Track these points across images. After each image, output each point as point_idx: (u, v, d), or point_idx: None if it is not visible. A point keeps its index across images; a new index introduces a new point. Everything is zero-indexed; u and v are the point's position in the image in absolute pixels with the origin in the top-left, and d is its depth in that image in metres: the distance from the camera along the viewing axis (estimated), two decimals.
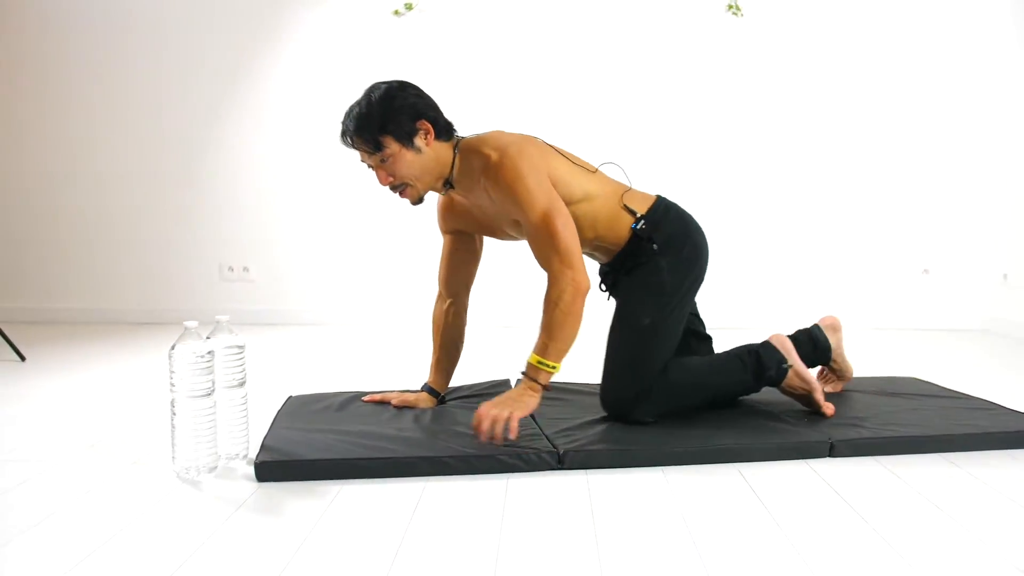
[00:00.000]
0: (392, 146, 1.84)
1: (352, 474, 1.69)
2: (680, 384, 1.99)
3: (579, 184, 1.97)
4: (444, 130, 1.93)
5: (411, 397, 2.15)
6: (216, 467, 1.72)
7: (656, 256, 2.00)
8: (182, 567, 1.26)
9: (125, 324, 3.81)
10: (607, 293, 2.17)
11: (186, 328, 1.71)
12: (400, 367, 2.92)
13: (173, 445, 1.70)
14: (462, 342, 2.23)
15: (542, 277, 1.87)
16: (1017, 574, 1.26)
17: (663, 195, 2.13)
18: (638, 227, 2.01)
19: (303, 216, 3.83)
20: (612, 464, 1.75)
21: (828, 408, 2.04)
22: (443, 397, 2.19)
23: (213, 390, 1.70)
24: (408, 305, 3.82)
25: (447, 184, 1.96)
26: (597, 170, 2.07)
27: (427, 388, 2.18)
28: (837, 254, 3.79)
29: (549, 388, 1.84)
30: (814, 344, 2.18)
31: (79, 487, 1.63)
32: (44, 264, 3.90)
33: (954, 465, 1.77)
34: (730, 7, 3.67)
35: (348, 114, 1.90)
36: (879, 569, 1.27)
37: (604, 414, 2.03)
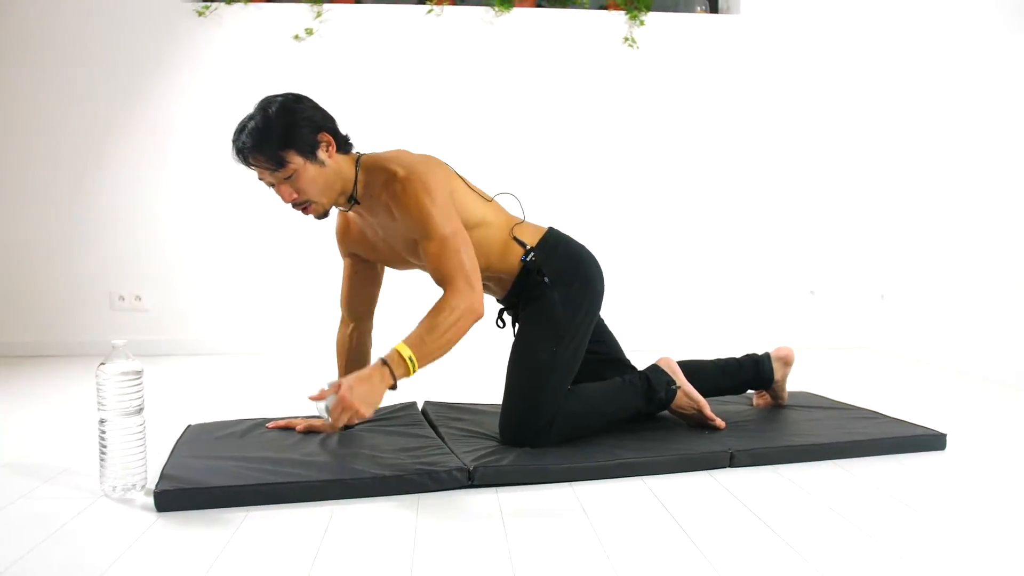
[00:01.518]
0: (296, 160, 1.78)
1: (257, 500, 1.65)
2: (577, 414, 1.98)
3: (476, 210, 1.97)
4: (344, 143, 1.89)
5: (317, 423, 2.09)
6: (145, 485, 1.68)
7: (548, 290, 2.00)
8: None
9: (7, 358, 3.59)
10: (504, 326, 2.16)
11: (114, 346, 1.69)
12: (302, 394, 2.84)
13: (102, 465, 1.66)
14: (368, 362, 2.17)
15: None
16: (904, 568, 1.33)
17: (555, 227, 2.14)
18: (527, 259, 2.01)
19: (198, 243, 3.72)
20: (522, 480, 1.76)
21: (719, 422, 2.11)
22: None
23: (143, 408, 1.69)
24: (309, 330, 3.75)
25: (351, 200, 1.91)
26: (492, 199, 2.08)
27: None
28: (730, 277, 3.94)
29: (394, 388, 1.74)
30: (757, 371, 2.27)
31: None
32: None
33: (845, 470, 1.87)
34: (626, 40, 3.80)
35: (241, 130, 1.81)
36: (781, 570, 1.32)
37: None
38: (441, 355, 1.78)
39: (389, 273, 2.23)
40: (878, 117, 3.94)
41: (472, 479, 1.73)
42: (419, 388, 2.78)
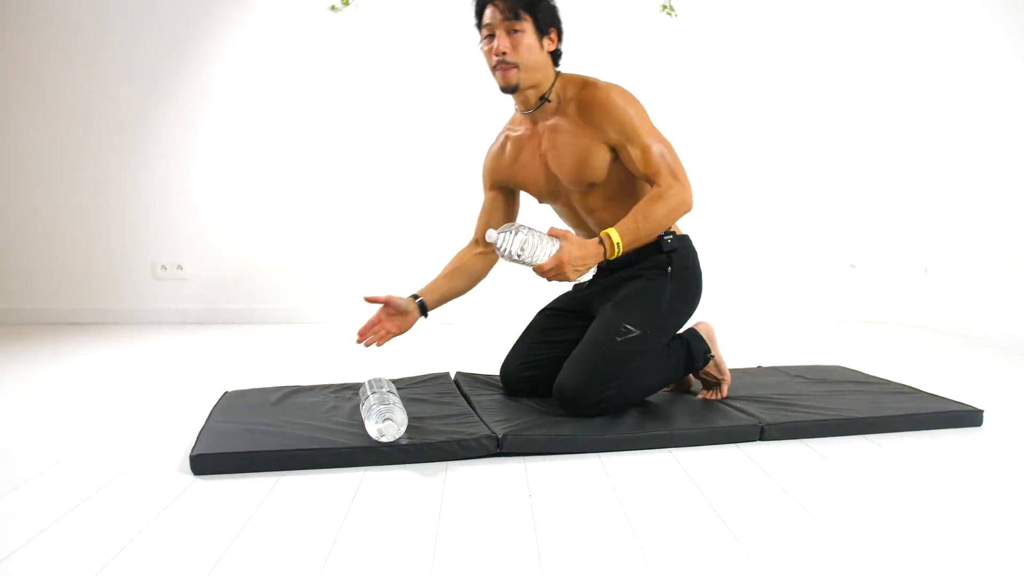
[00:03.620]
0: (526, 26, 1.91)
1: (290, 465, 1.68)
2: (635, 388, 1.99)
3: None
4: (559, 54, 2.01)
5: (402, 302, 2.05)
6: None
7: (665, 278, 2.01)
8: (117, 557, 1.24)
9: (51, 325, 3.70)
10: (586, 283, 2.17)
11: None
12: (339, 365, 2.90)
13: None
14: (473, 285, 2.18)
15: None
16: (935, 546, 1.32)
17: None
18: (666, 236, 2.02)
19: (238, 214, 3.77)
20: (550, 451, 1.77)
21: (723, 394, 2.14)
22: (427, 314, 2.11)
23: None
24: (346, 300, 3.79)
25: (543, 98, 2.00)
26: None
27: (418, 301, 2.08)
28: (768, 250, 3.89)
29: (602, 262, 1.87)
30: (690, 352, 2.11)
31: (5, 485, 1.58)
32: None
33: (877, 445, 1.85)
34: (664, 7, 3.74)
35: None
36: (808, 545, 1.31)
37: (538, 401, 2.06)
38: (648, 238, 1.92)
39: None
40: (923, 86, 3.84)
41: (500, 447, 1.74)
42: (453, 359, 2.81)
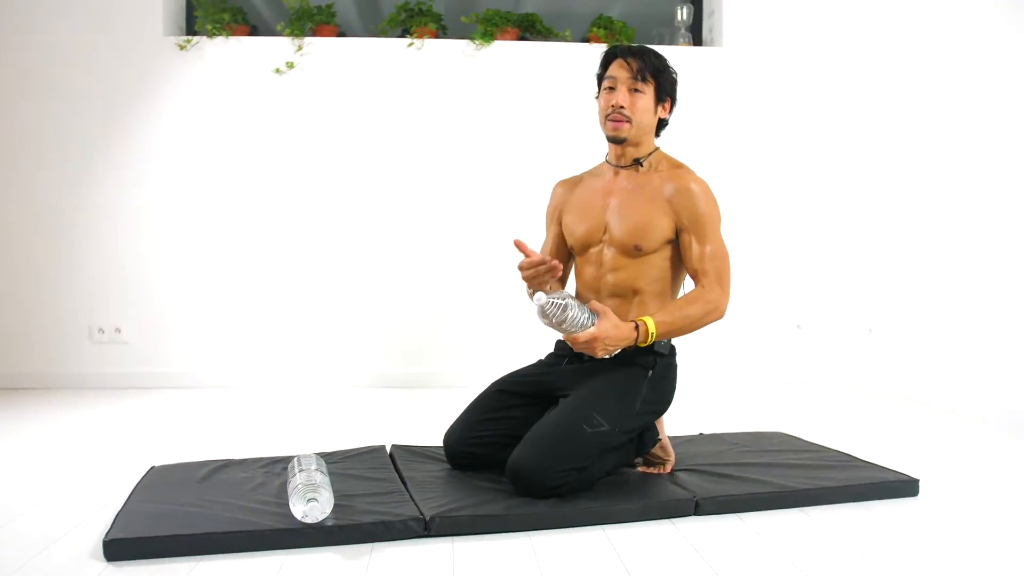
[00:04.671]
0: (648, 89, 2.05)
1: (208, 549, 1.61)
2: (592, 477, 1.93)
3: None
4: (665, 125, 2.16)
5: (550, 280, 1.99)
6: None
7: (643, 381, 2.00)
8: None
9: None
10: (564, 359, 2.14)
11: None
12: (280, 430, 2.83)
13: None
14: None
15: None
16: None
17: None
18: (662, 340, 2.01)
19: (178, 276, 3.70)
20: (479, 530, 1.72)
21: (667, 470, 2.12)
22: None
23: None
24: (289, 364, 3.72)
25: (637, 161, 2.10)
26: None
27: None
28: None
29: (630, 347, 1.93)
30: (640, 438, 2.06)
31: None
32: None
33: (811, 518, 1.83)
34: None
35: (630, 46, 2.11)
36: None
37: (475, 475, 2.02)
38: (676, 335, 2.00)
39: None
40: (863, 148, 3.94)
41: (428, 529, 1.70)
42: (390, 431, 2.76)
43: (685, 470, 2.10)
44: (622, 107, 2.03)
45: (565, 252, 2.25)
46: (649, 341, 1.91)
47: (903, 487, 2.02)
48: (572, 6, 4.10)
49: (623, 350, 1.97)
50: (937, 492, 2.05)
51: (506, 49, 3.79)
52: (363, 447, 2.31)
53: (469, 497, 1.85)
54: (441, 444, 2.18)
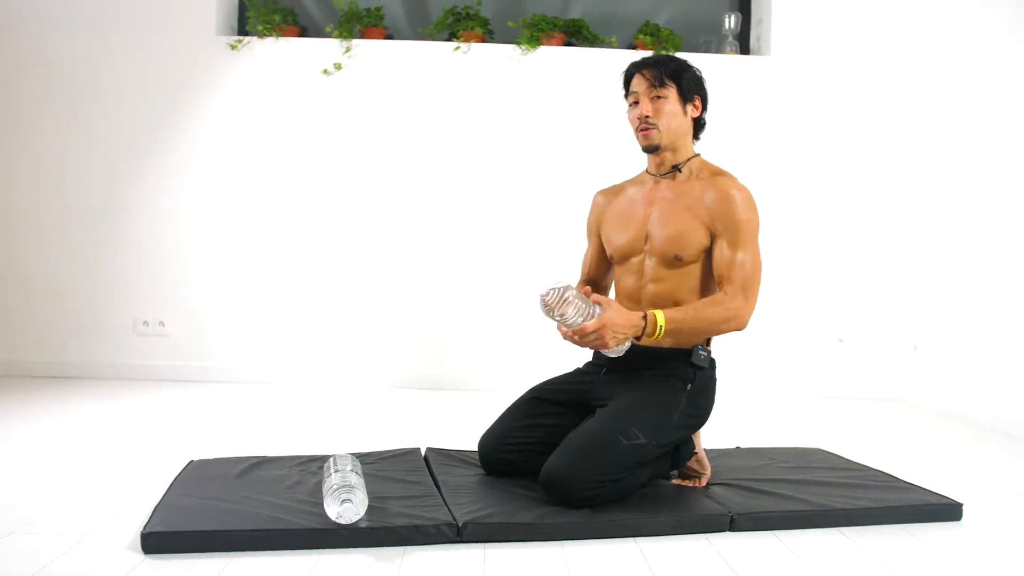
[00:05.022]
0: (670, 93, 2.03)
1: (243, 546, 1.63)
2: (626, 490, 1.91)
3: None
4: (702, 124, 2.13)
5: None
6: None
7: (682, 394, 1.98)
8: None
9: (28, 378, 3.66)
10: (602, 368, 2.13)
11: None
12: (314, 430, 2.85)
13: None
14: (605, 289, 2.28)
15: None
16: None
17: None
18: (701, 351, 2.01)
19: (223, 271, 3.76)
20: (511, 538, 1.72)
21: (703, 484, 2.09)
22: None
23: None
24: (330, 361, 3.76)
25: (675, 167, 2.08)
26: None
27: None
28: (755, 324, 3.85)
29: (639, 340, 1.89)
30: (676, 450, 2.04)
31: None
32: None
33: (850, 540, 1.80)
34: None
35: (653, 55, 2.13)
36: None
37: (509, 482, 2.02)
38: (689, 339, 1.99)
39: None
40: (912, 160, 3.86)
41: (460, 535, 1.70)
42: (424, 433, 2.77)
43: (721, 484, 2.08)
44: (647, 116, 2.03)
45: (607, 263, 2.24)
46: (658, 335, 1.87)
47: (945, 511, 1.97)
48: (619, 12, 4.08)
49: (662, 361, 1.97)
50: (981, 517, 1.99)
51: (552, 54, 3.79)
52: (398, 449, 2.32)
53: (502, 504, 1.85)
54: (475, 448, 2.18)
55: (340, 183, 3.77)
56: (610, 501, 1.87)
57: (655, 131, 2.04)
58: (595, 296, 1.88)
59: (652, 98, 2.04)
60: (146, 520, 1.71)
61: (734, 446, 2.57)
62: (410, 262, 3.78)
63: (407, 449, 2.32)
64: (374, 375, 3.74)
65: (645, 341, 1.90)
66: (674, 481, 2.10)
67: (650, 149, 2.08)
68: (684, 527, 1.81)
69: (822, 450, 2.54)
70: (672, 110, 2.04)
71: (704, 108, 2.11)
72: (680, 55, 3.73)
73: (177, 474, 2.06)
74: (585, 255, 2.30)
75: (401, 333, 3.77)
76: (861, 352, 3.90)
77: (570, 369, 2.24)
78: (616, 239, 2.15)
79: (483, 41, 3.82)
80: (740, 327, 1.95)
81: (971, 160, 3.49)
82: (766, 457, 2.39)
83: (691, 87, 2.06)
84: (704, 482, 2.08)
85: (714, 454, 2.35)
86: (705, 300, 1.97)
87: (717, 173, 2.06)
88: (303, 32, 3.92)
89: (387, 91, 3.76)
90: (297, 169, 3.76)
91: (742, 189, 2.00)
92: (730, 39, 3.96)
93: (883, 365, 3.90)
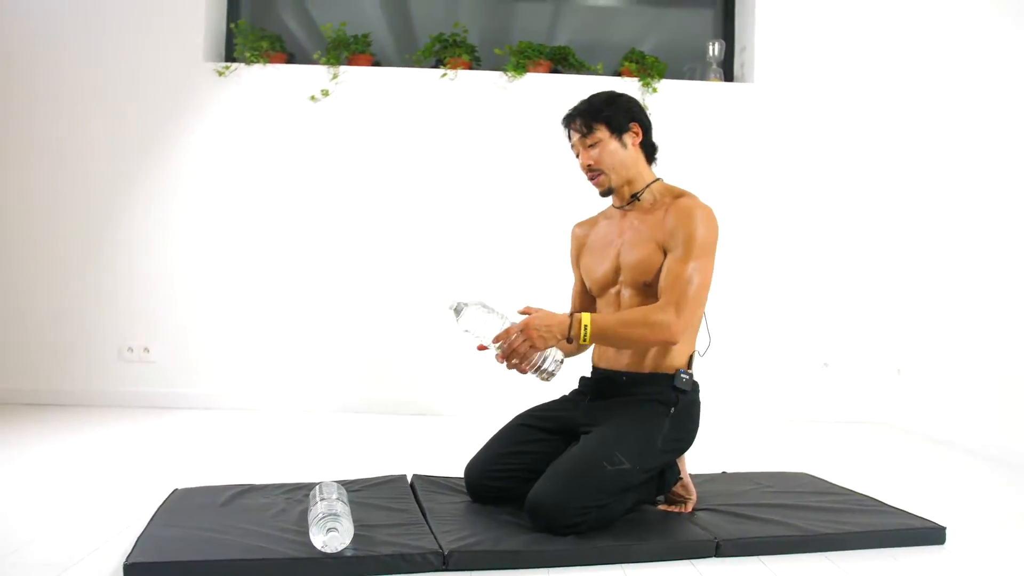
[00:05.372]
0: (602, 133, 2.03)
1: None
2: (611, 516, 1.91)
3: None
4: (650, 146, 2.12)
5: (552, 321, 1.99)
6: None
7: (665, 418, 1.98)
8: None
9: (11, 405, 3.63)
10: (587, 396, 2.14)
11: None
12: (302, 455, 2.84)
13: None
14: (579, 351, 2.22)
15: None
16: None
17: None
18: (684, 375, 2.01)
19: (208, 297, 3.75)
20: (497, 565, 1.71)
21: (689, 509, 2.09)
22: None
23: None
24: (316, 387, 3.75)
25: (635, 196, 2.08)
26: None
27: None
28: (741, 348, 3.89)
29: (569, 342, 1.90)
30: (661, 475, 2.06)
31: None
32: None
33: (835, 564, 1.80)
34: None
35: (578, 102, 2.10)
36: None
37: (496, 509, 2.01)
38: (613, 345, 2.01)
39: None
40: (895, 187, 3.91)
41: (446, 563, 1.69)
42: (410, 460, 2.76)
43: (707, 510, 2.08)
44: (589, 165, 2.06)
45: (592, 295, 2.25)
46: (584, 336, 1.88)
47: (929, 535, 1.98)
48: (605, 40, 4.13)
49: (644, 385, 2.00)
50: (964, 541, 2.00)
51: (538, 81, 3.83)
52: (384, 476, 2.31)
53: (488, 531, 1.85)
54: (462, 475, 2.18)
55: (327, 209, 3.78)
56: (596, 527, 1.87)
57: (603, 176, 2.06)
58: (526, 308, 1.93)
59: (587, 147, 2.05)
60: (129, 550, 1.69)
61: (720, 471, 2.58)
62: (395, 288, 3.79)
63: (393, 476, 2.31)
64: (359, 401, 3.73)
65: (567, 347, 1.95)
66: (660, 507, 2.10)
67: (605, 194, 2.11)
68: (670, 553, 1.81)
69: (807, 474, 2.55)
70: (611, 150, 2.04)
71: (645, 132, 2.09)
72: (665, 82, 3.83)
73: (161, 503, 2.05)
74: (573, 288, 2.32)
75: (387, 359, 3.77)
76: (846, 376, 3.93)
77: (555, 397, 2.25)
78: (594, 273, 2.17)
79: (470, 68, 3.86)
80: (670, 340, 1.92)
81: (954, 188, 3.54)
82: (751, 482, 2.40)
83: (620, 120, 2.04)
84: (690, 507, 2.09)
85: (700, 479, 2.35)
86: (637, 309, 1.96)
87: (679, 195, 2.05)
88: (290, 59, 3.94)
89: (374, 117, 3.78)
90: (284, 195, 3.77)
91: (703, 207, 1.99)
92: (714, 66, 4.01)
93: (868, 389, 3.92)
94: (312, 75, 3.77)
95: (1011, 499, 2.50)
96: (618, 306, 2.10)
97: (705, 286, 1.97)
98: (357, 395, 3.75)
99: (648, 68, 3.85)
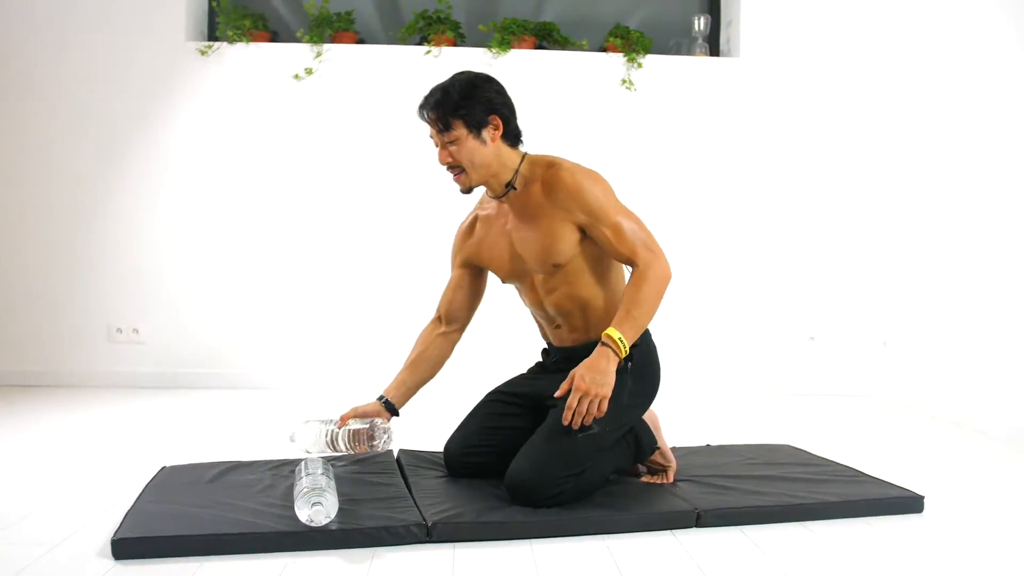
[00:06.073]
0: (460, 130, 1.92)
1: (214, 550, 1.64)
2: (589, 483, 1.92)
3: None
4: (513, 134, 2.00)
5: (368, 409, 2.08)
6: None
7: (625, 374, 1.94)
8: None
9: (12, 387, 3.62)
10: (544, 365, 2.17)
11: None
12: (289, 432, 2.85)
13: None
14: (437, 370, 2.20)
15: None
16: None
17: None
18: None
19: (196, 277, 3.75)
20: (481, 537, 1.74)
21: (671, 480, 2.11)
22: (398, 412, 2.12)
23: None
24: (305, 364, 3.76)
25: (509, 185, 2.00)
26: None
27: (384, 401, 2.10)
28: (726, 321, 3.91)
29: (628, 358, 1.90)
30: (638, 443, 2.08)
31: None
32: None
33: (812, 533, 1.83)
34: (624, 81, 3.82)
35: (434, 88, 1.97)
36: None
37: (479, 482, 2.04)
38: (648, 321, 1.92)
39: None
40: (881, 159, 3.92)
41: (430, 535, 1.72)
42: (396, 436, 2.78)
43: (688, 481, 2.11)
44: (447, 164, 1.98)
45: (468, 291, 2.20)
46: (624, 350, 1.86)
47: (908, 503, 2.01)
48: (590, 15, 4.11)
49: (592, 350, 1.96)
50: (942, 509, 2.04)
51: (523, 57, 3.82)
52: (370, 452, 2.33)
53: (472, 504, 1.87)
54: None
55: (313, 187, 3.77)
56: (577, 496, 1.89)
57: (463, 175, 1.97)
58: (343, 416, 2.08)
59: (445, 144, 1.95)
60: (117, 526, 1.71)
61: (703, 444, 2.61)
62: (381, 263, 3.79)
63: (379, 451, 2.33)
64: (346, 378, 3.74)
65: (608, 357, 1.86)
66: (642, 479, 2.13)
67: (466, 191, 2.02)
68: (651, 524, 1.84)
69: (790, 446, 2.58)
70: (470, 148, 1.94)
71: (507, 122, 1.97)
72: (650, 57, 3.83)
73: (149, 480, 2.06)
74: (448, 283, 2.24)
75: (372, 334, 3.78)
76: (832, 349, 3.96)
77: (520, 371, 2.28)
78: (499, 272, 2.13)
79: (454, 45, 3.84)
80: (670, 279, 1.93)
81: (940, 158, 3.55)
82: (734, 454, 2.43)
83: (478, 115, 1.92)
84: (671, 476, 2.11)
85: (683, 451, 2.38)
86: (631, 285, 1.92)
87: (547, 166, 1.97)
88: (274, 37, 3.92)
89: (358, 95, 3.77)
90: (270, 174, 3.76)
91: (575, 168, 1.95)
92: (700, 41, 4.00)
93: (853, 362, 3.96)
94: (295, 53, 3.75)
95: (993, 470, 2.53)
96: (535, 291, 2.07)
97: (642, 224, 1.95)
98: (341, 371, 3.76)
99: (633, 43, 3.84)
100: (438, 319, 2.23)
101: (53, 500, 1.99)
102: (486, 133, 1.95)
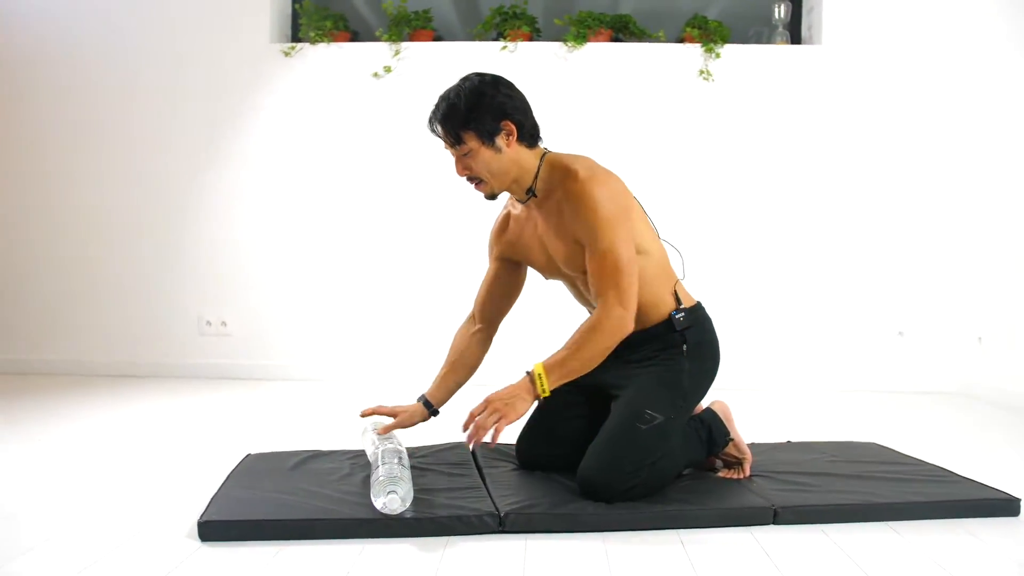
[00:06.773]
0: (472, 142, 1.86)
1: (294, 535, 1.69)
2: (662, 474, 1.91)
3: (643, 235, 1.95)
4: (529, 135, 1.92)
5: (405, 410, 2.11)
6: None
7: (681, 357, 1.95)
8: None
9: (98, 376, 3.82)
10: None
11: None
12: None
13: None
14: (476, 368, 2.18)
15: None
16: None
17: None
18: (677, 315, 1.97)
19: (283, 271, 3.87)
20: (553, 528, 1.74)
21: (747, 474, 2.07)
22: (437, 411, 2.14)
23: None
24: (389, 358, 3.83)
25: (530, 191, 1.95)
26: (660, 240, 2.05)
27: (424, 400, 2.12)
28: (812, 316, 3.81)
29: (543, 392, 1.84)
30: (711, 435, 2.05)
31: (24, 545, 1.62)
32: (26, 315, 3.94)
33: (897, 534, 1.77)
34: (702, 72, 3.76)
35: (440, 99, 1.91)
36: None
37: (553, 475, 2.04)
38: (582, 372, 1.87)
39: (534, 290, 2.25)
40: (972, 148, 3.75)
41: (503, 525, 1.73)
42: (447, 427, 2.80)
43: (767, 477, 2.06)
44: (466, 176, 1.93)
45: (505, 285, 2.17)
46: (543, 385, 1.83)
47: (1002, 506, 1.91)
48: (668, 6, 4.06)
49: (648, 342, 1.96)
50: None
51: (599, 51, 3.79)
52: (446, 443, 2.36)
53: (545, 496, 1.87)
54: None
55: (392, 185, 3.83)
56: (650, 490, 1.87)
57: (484, 184, 1.92)
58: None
59: (459, 157, 1.89)
60: (203, 509, 1.78)
61: (784, 440, 2.54)
62: (457, 260, 3.82)
63: (455, 443, 2.36)
64: (425, 373, 3.78)
65: (526, 389, 1.85)
66: (719, 474, 2.09)
67: (492, 198, 1.98)
68: (727, 520, 1.81)
69: (875, 444, 2.49)
70: (485, 158, 1.87)
71: (520, 124, 1.89)
72: (729, 47, 3.75)
73: (234, 467, 2.14)
74: (483, 279, 2.21)
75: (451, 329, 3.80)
76: (922, 345, 3.81)
77: None
78: (540, 272, 2.11)
79: (530, 39, 3.85)
80: (625, 334, 1.86)
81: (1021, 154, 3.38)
82: (816, 451, 2.36)
83: (489, 124, 1.85)
84: (747, 469, 2.07)
85: (763, 448, 2.33)
86: (583, 329, 1.88)
87: (566, 173, 1.89)
88: (354, 36, 4.00)
89: (436, 92, 3.75)
90: (350, 171, 3.84)
91: (590, 180, 1.85)
92: (780, 29, 3.91)
93: (946, 358, 3.80)
94: (375, 52, 3.82)
95: None
96: (575, 287, 2.04)
97: (630, 258, 1.84)
98: (423, 367, 3.80)
99: (711, 33, 3.77)
100: (472, 318, 2.22)
101: (144, 484, 2.09)
102: (500, 140, 1.88)
